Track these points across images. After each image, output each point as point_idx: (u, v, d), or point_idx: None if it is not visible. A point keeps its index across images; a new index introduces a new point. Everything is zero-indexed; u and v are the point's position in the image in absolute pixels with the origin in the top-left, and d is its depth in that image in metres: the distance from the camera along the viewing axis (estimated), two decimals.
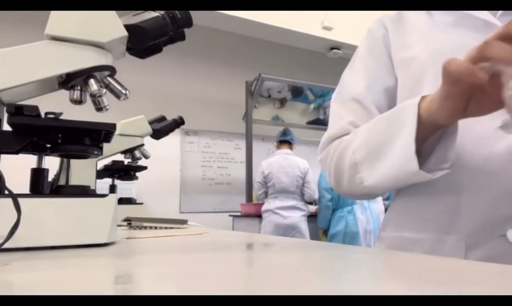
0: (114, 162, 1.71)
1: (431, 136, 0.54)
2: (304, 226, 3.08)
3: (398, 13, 0.72)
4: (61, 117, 0.63)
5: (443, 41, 0.62)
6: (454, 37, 0.61)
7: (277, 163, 3.14)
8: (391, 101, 0.69)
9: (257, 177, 3.27)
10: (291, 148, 3.27)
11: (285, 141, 3.27)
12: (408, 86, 0.66)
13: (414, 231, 0.61)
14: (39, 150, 0.67)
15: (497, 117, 0.51)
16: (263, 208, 3.16)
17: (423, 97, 0.52)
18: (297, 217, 3.07)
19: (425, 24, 0.67)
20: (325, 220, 3.06)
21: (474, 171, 0.55)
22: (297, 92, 4.29)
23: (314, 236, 3.23)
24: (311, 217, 3.24)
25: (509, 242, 0.52)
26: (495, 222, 0.53)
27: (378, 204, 3.06)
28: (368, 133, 0.61)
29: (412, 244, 0.60)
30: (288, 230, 3.00)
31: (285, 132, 3.31)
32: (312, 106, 4.45)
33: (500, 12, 0.59)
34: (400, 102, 0.65)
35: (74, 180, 1.14)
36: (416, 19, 0.68)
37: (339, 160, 0.65)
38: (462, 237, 0.55)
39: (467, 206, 0.55)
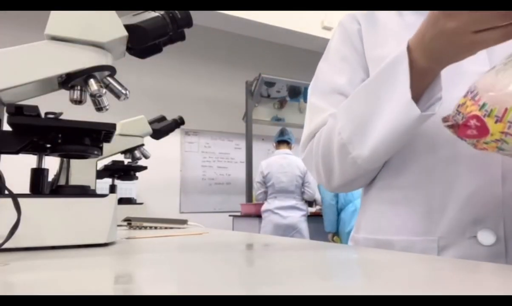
0: (114, 162, 1.71)
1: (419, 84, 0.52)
2: (303, 226, 3.08)
3: (370, 11, 0.71)
4: (61, 117, 0.63)
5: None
6: None
7: (276, 162, 3.14)
8: None
9: (256, 177, 3.28)
10: (290, 148, 3.27)
11: (283, 141, 3.27)
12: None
13: (388, 233, 0.61)
14: (39, 150, 0.67)
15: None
16: (263, 208, 3.16)
17: (408, 47, 0.51)
18: (297, 217, 3.07)
19: (397, 25, 0.66)
20: (330, 221, 2.96)
21: (443, 175, 0.56)
22: (294, 92, 4.29)
23: (314, 236, 3.21)
24: (311, 217, 3.24)
25: (479, 244, 0.53)
26: (465, 224, 0.54)
27: None
28: (351, 107, 0.58)
29: (385, 245, 0.60)
30: (288, 230, 3.00)
31: (282, 132, 3.31)
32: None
33: None
34: None
35: (74, 180, 1.15)
36: (388, 19, 0.67)
37: (325, 149, 0.62)
38: (435, 238, 0.56)
39: (438, 209, 0.55)
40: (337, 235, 3.02)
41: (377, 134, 0.54)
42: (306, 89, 4.28)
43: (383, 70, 0.54)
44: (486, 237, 0.52)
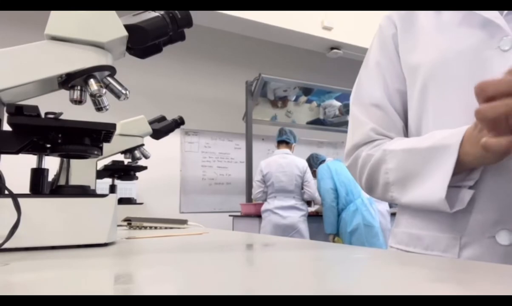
0: (114, 162, 1.71)
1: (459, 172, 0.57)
2: (303, 226, 3.08)
3: (408, 11, 0.71)
4: (61, 117, 0.63)
5: (449, 43, 0.63)
6: (459, 37, 0.62)
7: (276, 162, 3.15)
8: (404, 104, 0.71)
9: (255, 176, 3.27)
10: (289, 148, 3.27)
11: (282, 141, 3.28)
12: (414, 94, 0.68)
13: (419, 228, 0.66)
14: (39, 150, 0.67)
15: None
16: (263, 208, 3.15)
17: (463, 140, 0.54)
18: (297, 217, 3.06)
19: (431, 24, 0.67)
20: (330, 223, 2.98)
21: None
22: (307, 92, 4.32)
23: (313, 236, 3.21)
24: (311, 217, 3.24)
25: (497, 243, 0.56)
26: (486, 224, 0.57)
27: (380, 204, 3.06)
28: (403, 160, 0.63)
29: (415, 240, 0.65)
30: (287, 230, 2.99)
31: (280, 132, 3.32)
32: (315, 104, 4.46)
33: (504, 13, 0.59)
34: (411, 109, 0.68)
35: (74, 180, 1.14)
36: (424, 18, 0.68)
37: (370, 176, 0.68)
38: (457, 236, 0.60)
39: (463, 210, 0.58)
40: (338, 235, 3.02)
41: (414, 195, 0.60)
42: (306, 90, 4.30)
43: (434, 148, 0.58)
44: (504, 238, 0.56)
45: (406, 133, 0.71)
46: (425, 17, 0.69)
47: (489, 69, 0.57)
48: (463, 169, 0.56)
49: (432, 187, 0.57)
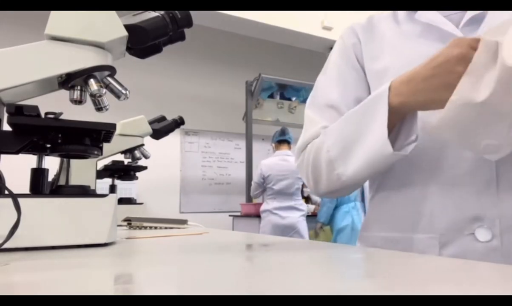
0: (114, 162, 1.71)
1: (397, 121, 0.58)
2: (302, 227, 3.08)
3: (368, 21, 0.75)
4: (61, 117, 0.63)
5: (411, 52, 0.65)
6: (420, 47, 0.64)
7: (277, 165, 3.12)
8: None
9: (255, 177, 3.26)
10: (290, 148, 3.26)
11: (284, 140, 3.25)
12: None
13: (393, 231, 0.65)
14: (39, 150, 0.67)
15: None
16: (262, 208, 3.15)
17: (390, 87, 0.56)
18: (296, 218, 3.06)
19: (394, 34, 0.70)
20: (326, 214, 3.10)
21: (444, 173, 0.60)
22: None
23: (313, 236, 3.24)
24: (310, 217, 3.24)
25: (477, 240, 0.57)
26: (464, 222, 0.58)
27: None
28: (339, 130, 0.64)
29: (391, 243, 0.65)
30: (287, 231, 2.99)
31: (283, 132, 3.28)
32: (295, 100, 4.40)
33: (462, 23, 0.63)
34: None
35: (74, 180, 1.14)
36: (386, 29, 0.72)
37: (315, 161, 0.67)
38: (436, 236, 0.60)
39: (438, 207, 0.60)
40: (327, 226, 3.17)
41: (358, 159, 0.60)
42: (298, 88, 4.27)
43: (366, 104, 0.60)
44: (483, 234, 0.56)
45: None
46: (386, 28, 0.72)
47: None
48: (400, 115, 0.57)
49: (372, 139, 0.57)
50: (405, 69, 0.63)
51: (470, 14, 0.62)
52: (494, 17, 0.60)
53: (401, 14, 0.71)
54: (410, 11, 0.69)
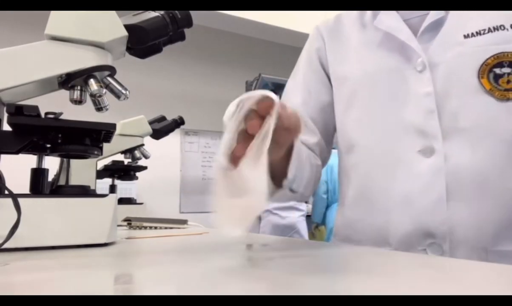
0: (114, 162, 1.71)
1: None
2: (302, 226, 3.07)
3: (336, 21, 0.77)
4: (61, 117, 0.63)
5: (370, 62, 0.68)
6: (382, 56, 0.67)
7: None
8: (326, 118, 0.75)
9: None
10: None
11: None
12: (342, 104, 0.72)
13: (356, 242, 0.68)
14: (39, 150, 0.67)
15: (415, 142, 0.60)
16: None
17: None
18: (295, 217, 3.06)
19: (357, 40, 0.71)
20: (319, 214, 3.13)
21: (400, 191, 0.62)
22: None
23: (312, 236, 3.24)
24: (309, 217, 3.25)
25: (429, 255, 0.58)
26: (417, 238, 0.60)
27: None
28: None
29: None
30: (286, 231, 2.99)
31: None
32: None
33: (420, 30, 0.64)
34: (337, 117, 0.73)
35: (74, 180, 1.14)
36: (351, 32, 0.73)
37: None
38: (391, 249, 0.62)
39: (395, 222, 0.62)
40: (322, 225, 3.20)
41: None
42: None
43: None
44: (434, 250, 0.59)
45: (322, 139, 0.74)
46: (352, 31, 0.73)
47: (407, 87, 0.63)
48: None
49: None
50: (363, 80, 0.68)
51: (430, 18, 0.63)
52: (453, 23, 0.61)
53: (368, 15, 0.71)
54: (374, 13, 0.69)
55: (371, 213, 0.65)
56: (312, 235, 3.29)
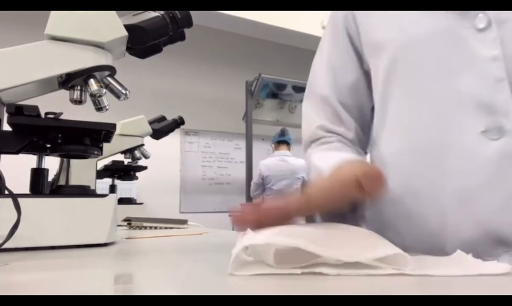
0: (114, 162, 1.71)
1: None
2: None
3: None
4: (61, 117, 0.63)
5: (414, 22, 0.54)
6: (425, 16, 0.53)
7: (276, 165, 3.12)
8: (358, 99, 0.65)
9: (254, 178, 3.26)
10: (289, 149, 3.26)
11: (283, 141, 3.25)
12: (380, 79, 0.59)
13: (401, 249, 0.54)
14: (39, 150, 0.67)
15: (477, 121, 0.48)
16: None
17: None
18: None
19: None
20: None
21: (457, 186, 0.49)
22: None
23: None
24: (309, 217, 3.24)
25: None
26: (483, 244, 0.47)
27: None
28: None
29: None
30: None
31: (283, 132, 3.29)
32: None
33: None
34: (376, 92, 0.61)
35: (74, 180, 1.14)
36: None
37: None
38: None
39: (452, 226, 0.50)
40: None
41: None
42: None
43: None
44: (510, 261, 0.46)
45: (358, 127, 0.65)
46: None
47: (465, 51, 0.50)
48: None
49: None
50: (408, 45, 0.54)
51: None
52: None
53: None
54: None
55: (419, 214, 0.52)
56: None
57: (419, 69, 0.54)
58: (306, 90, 0.71)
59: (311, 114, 0.68)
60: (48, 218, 0.57)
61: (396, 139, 0.57)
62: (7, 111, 0.60)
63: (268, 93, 4.22)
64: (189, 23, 0.76)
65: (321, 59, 0.69)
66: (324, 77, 0.67)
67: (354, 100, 0.65)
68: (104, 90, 0.67)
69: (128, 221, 1.14)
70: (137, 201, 1.84)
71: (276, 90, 4.20)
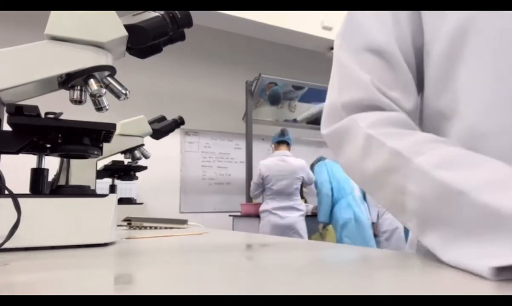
0: (114, 162, 1.71)
1: None
2: (302, 226, 3.08)
3: None
4: (61, 117, 0.63)
5: None
6: None
7: (276, 165, 3.12)
8: (419, 63, 0.51)
9: (254, 178, 3.26)
10: (289, 149, 3.26)
11: (283, 141, 3.25)
12: (444, 48, 0.45)
13: None
14: (39, 150, 0.67)
15: None
16: (261, 208, 3.15)
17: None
18: (295, 217, 3.06)
19: None
20: (325, 213, 3.12)
21: None
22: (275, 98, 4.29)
23: (312, 235, 3.23)
24: (308, 217, 3.25)
25: None
26: None
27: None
28: (439, 199, 0.38)
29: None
30: (286, 231, 2.99)
31: (283, 133, 3.29)
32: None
33: None
34: (436, 69, 0.47)
35: (74, 180, 1.14)
36: None
37: (376, 175, 0.46)
38: None
39: None
40: (329, 225, 3.20)
41: (456, 255, 0.38)
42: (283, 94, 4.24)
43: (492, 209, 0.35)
44: None
45: (415, 91, 0.51)
46: None
47: None
48: None
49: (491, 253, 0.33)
50: (479, 18, 0.42)
51: None
52: None
53: None
54: None
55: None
56: (320, 236, 3.28)
57: (499, 36, 0.41)
58: (341, 38, 0.54)
59: (354, 66, 0.50)
60: (48, 218, 0.57)
61: (464, 133, 0.44)
62: (7, 111, 0.60)
63: (279, 98, 4.23)
64: (189, 23, 0.76)
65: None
66: (375, 22, 0.50)
67: (415, 54, 0.50)
68: (104, 90, 0.67)
69: (128, 221, 1.14)
70: (137, 201, 1.83)
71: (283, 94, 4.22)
